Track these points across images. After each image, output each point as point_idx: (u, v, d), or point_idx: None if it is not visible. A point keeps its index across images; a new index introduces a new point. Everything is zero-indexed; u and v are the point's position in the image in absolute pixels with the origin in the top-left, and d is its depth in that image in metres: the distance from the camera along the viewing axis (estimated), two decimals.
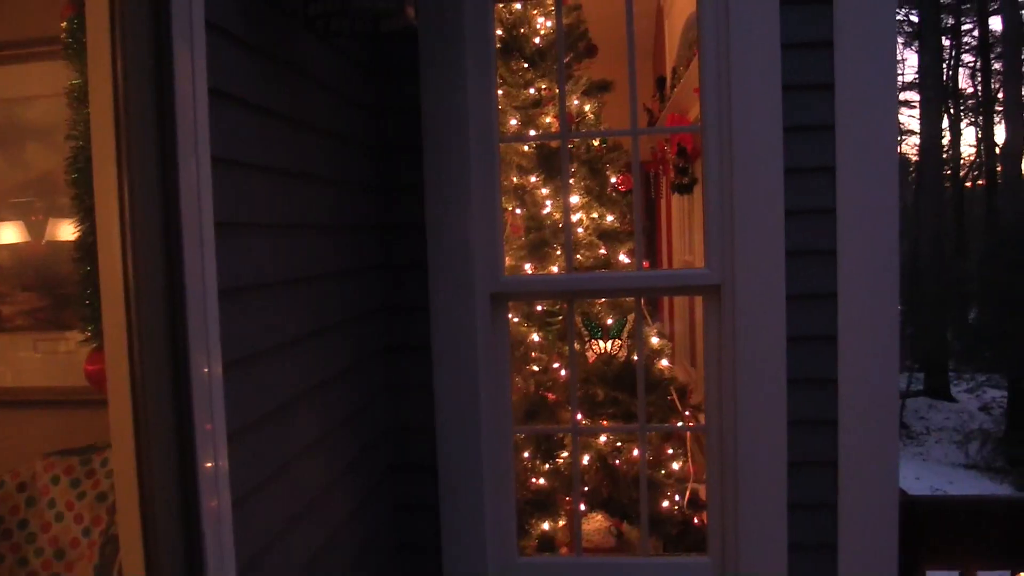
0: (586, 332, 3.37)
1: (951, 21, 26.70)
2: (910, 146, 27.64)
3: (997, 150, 22.50)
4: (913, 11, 26.58)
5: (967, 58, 26.87)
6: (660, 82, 6.55)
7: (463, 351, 2.63)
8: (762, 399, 2.52)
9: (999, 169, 21.95)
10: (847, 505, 2.53)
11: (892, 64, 2.46)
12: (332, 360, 2.20)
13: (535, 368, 3.41)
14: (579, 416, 3.46)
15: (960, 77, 26.92)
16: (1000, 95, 22.52)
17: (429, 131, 2.61)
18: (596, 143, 3.55)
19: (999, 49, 22.55)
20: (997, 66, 23.27)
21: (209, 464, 1.49)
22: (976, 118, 25.76)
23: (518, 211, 3.43)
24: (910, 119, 27.95)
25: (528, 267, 3.35)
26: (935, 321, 20.70)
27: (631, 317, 3.36)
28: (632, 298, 3.28)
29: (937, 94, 22.54)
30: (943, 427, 18.61)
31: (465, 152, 2.60)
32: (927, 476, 15.39)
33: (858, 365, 2.48)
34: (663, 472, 3.41)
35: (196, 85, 1.48)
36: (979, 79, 25.50)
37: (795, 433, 2.54)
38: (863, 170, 2.44)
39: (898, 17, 28.19)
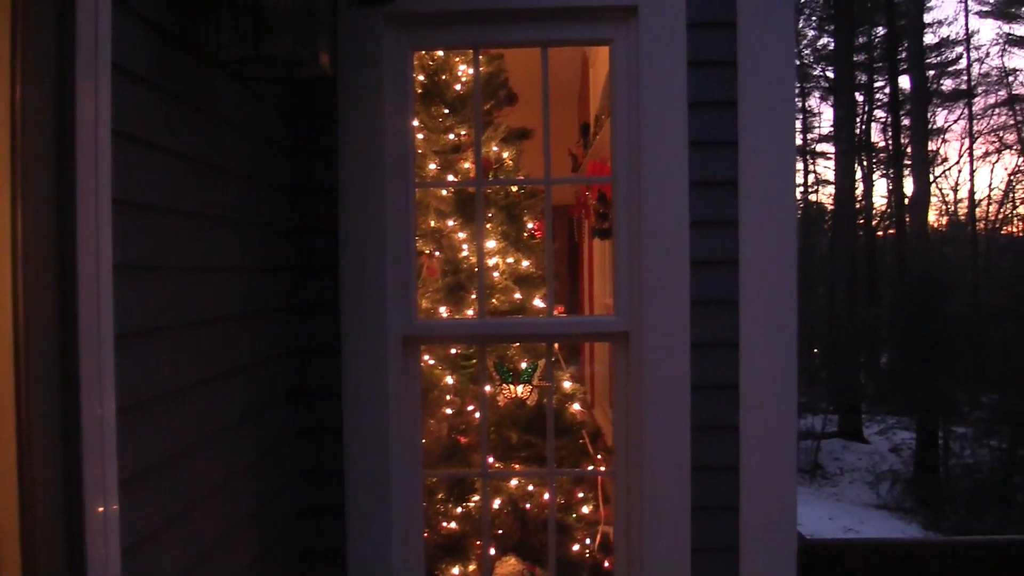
0: (497, 376, 3.40)
1: (864, 78, 28.07)
2: (826, 196, 28.79)
3: (906, 201, 23.57)
4: (829, 68, 27.88)
5: (879, 113, 28.24)
6: (584, 128, 6.70)
7: (374, 394, 2.62)
8: (667, 444, 2.58)
9: (907, 220, 22.98)
10: (748, 548, 2.59)
11: (791, 123, 2.59)
12: (237, 403, 2.17)
13: (449, 411, 3.42)
14: (492, 460, 3.47)
15: (873, 131, 28.25)
16: (908, 150, 23.65)
17: (346, 174, 2.63)
18: (515, 189, 3.61)
19: (908, 106, 23.74)
20: (906, 122, 24.47)
21: (100, 510, 1.46)
22: (887, 171, 26.99)
23: (436, 254, 3.46)
24: (826, 170, 29.15)
25: (444, 310, 3.37)
26: (849, 365, 21.41)
27: (542, 362, 3.40)
28: (556, 342, 3.33)
29: (851, 147, 23.56)
30: (856, 468, 19.15)
31: (381, 196, 2.62)
32: (840, 516, 15.78)
33: (758, 412, 2.57)
34: (574, 516, 3.44)
35: (99, 126, 1.47)
36: (890, 134, 26.78)
37: (698, 478, 2.60)
38: (764, 224, 2.55)
39: (815, 73, 29.51)
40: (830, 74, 27.71)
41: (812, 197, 30.39)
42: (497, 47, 3.39)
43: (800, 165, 30.44)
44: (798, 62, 29.38)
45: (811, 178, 30.39)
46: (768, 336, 2.55)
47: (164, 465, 1.74)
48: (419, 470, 2.75)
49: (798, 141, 30.37)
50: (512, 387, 3.37)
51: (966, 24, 28.93)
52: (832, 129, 26.10)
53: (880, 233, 27.75)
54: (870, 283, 25.48)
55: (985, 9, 27.68)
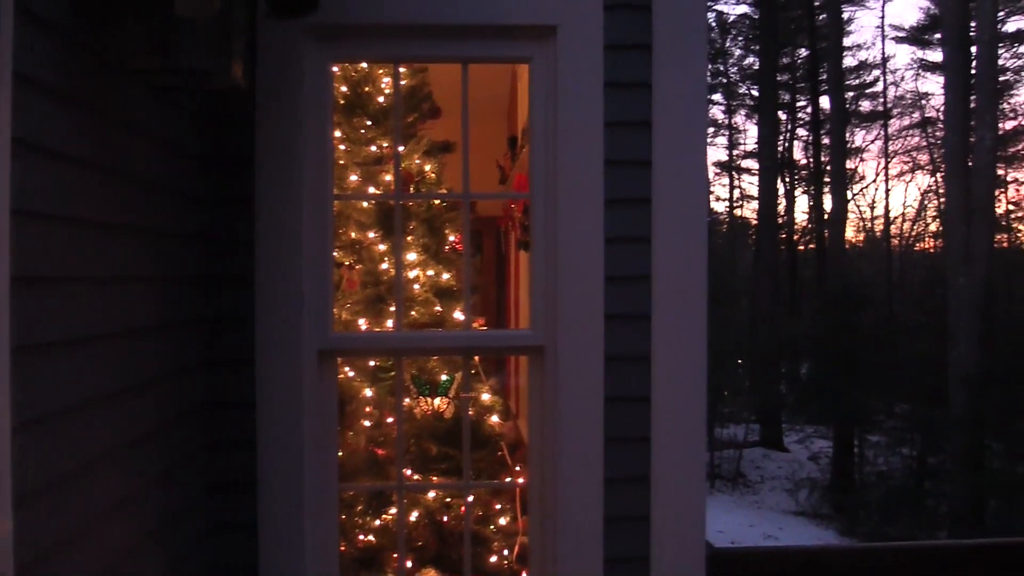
0: (414, 389, 3.41)
1: (788, 97, 28.97)
2: (750, 211, 29.56)
3: (825, 217, 24.36)
4: (755, 86, 28.67)
5: (801, 132, 29.18)
6: (512, 141, 6.76)
7: (288, 407, 2.60)
8: (581, 456, 2.63)
9: (827, 235, 23.75)
10: (659, 558, 2.66)
11: (702, 143, 2.68)
12: (145, 417, 2.13)
13: (367, 423, 3.41)
14: (411, 472, 3.47)
15: (795, 149, 29.17)
16: (828, 168, 24.45)
17: (263, 185, 2.61)
18: (437, 202, 3.63)
19: (828, 126, 24.56)
20: (827, 141, 25.31)
21: None
22: (808, 187, 27.88)
23: (356, 266, 3.45)
24: (750, 185, 29.95)
25: (363, 323, 3.36)
26: (770, 376, 21.98)
27: (459, 375, 3.42)
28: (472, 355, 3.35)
29: (774, 164, 24.25)
30: (776, 476, 19.66)
31: (299, 207, 2.60)
32: (760, 523, 16.17)
33: (670, 423, 2.64)
34: (492, 527, 3.46)
35: None
36: (811, 152, 27.68)
37: (612, 488, 2.65)
38: (675, 240, 2.62)
39: (741, 91, 30.32)
40: (756, 92, 28.50)
41: (737, 212, 31.20)
42: (417, 62, 3.41)
43: (726, 180, 31.21)
44: (725, 80, 30.17)
45: (736, 193, 31.21)
46: (679, 349, 2.63)
47: (64, 481, 1.70)
48: (335, 483, 2.73)
49: (724, 157, 31.16)
50: (429, 400, 3.38)
51: (883, 49, 30.20)
52: (757, 146, 26.82)
53: (801, 248, 28.64)
54: (791, 296, 26.27)
55: (901, 35, 28.93)
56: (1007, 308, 18.34)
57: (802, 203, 28.92)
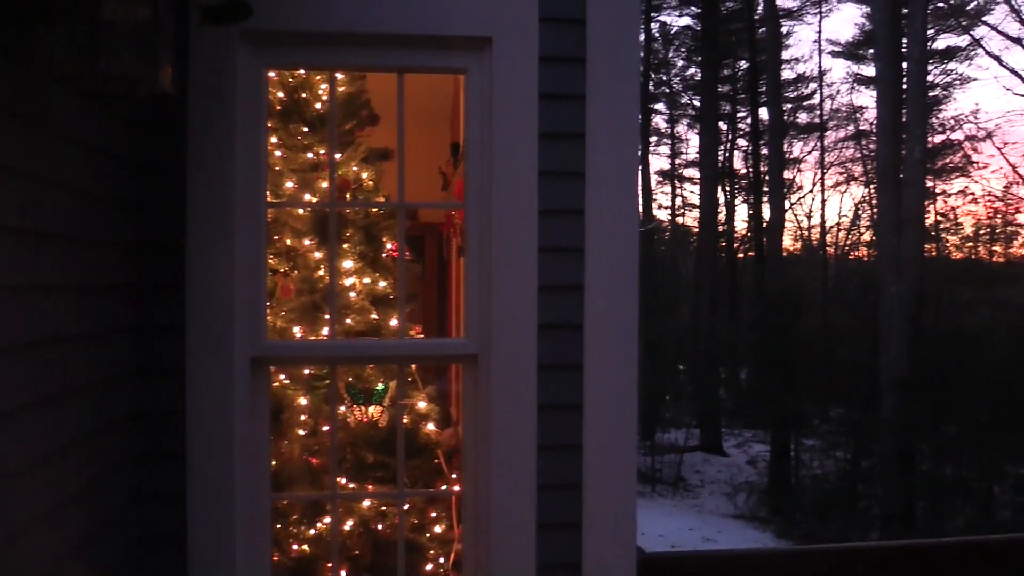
0: (347, 397, 3.39)
1: (728, 108, 29.55)
2: (692, 219, 30.04)
3: (764, 226, 24.88)
4: (696, 97, 29.17)
5: (742, 142, 29.79)
6: (454, 148, 6.78)
7: (220, 416, 2.57)
8: (514, 463, 2.65)
9: (765, 243, 24.26)
10: (590, 564, 2.69)
11: (635, 155, 2.73)
12: (69, 427, 2.09)
13: (302, 432, 3.38)
14: (347, 480, 3.46)
15: (736, 159, 29.75)
16: (766, 177, 24.99)
17: (195, 191, 2.58)
18: (375, 209, 3.63)
19: (767, 137, 25.11)
20: (766, 151, 25.87)
21: None
22: (748, 196, 28.46)
23: (291, 273, 3.43)
24: (691, 194, 30.45)
25: (298, 330, 3.34)
26: (710, 381, 22.36)
27: (393, 383, 3.42)
28: (407, 363, 3.35)
29: (714, 173, 24.69)
30: (716, 480, 19.99)
31: (231, 214, 2.58)
32: (700, 527, 16.41)
33: (601, 431, 2.68)
34: (428, 535, 3.46)
35: None
36: (750, 162, 28.28)
37: (544, 495, 2.68)
38: (607, 251, 2.67)
39: (683, 101, 30.81)
40: (697, 103, 28.99)
41: (679, 219, 31.68)
42: (352, 70, 3.41)
43: (668, 189, 31.66)
44: (667, 90, 30.63)
45: (678, 201, 31.68)
46: (611, 358, 2.67)
47: None
48: (267, 493, 2.71)
49: (667, 165, 31.62)
50: (364, 408, 3.37)
51: (820, 63, 30.93)
52: (698, 155, 27.28)
53: (741, 255, 29.20)
54: (731, 303, 26.75)
55: (837, 49, 29.73)
56: (936, 315, 18.93)
57: (742, 212, 29.55)
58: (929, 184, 23.06)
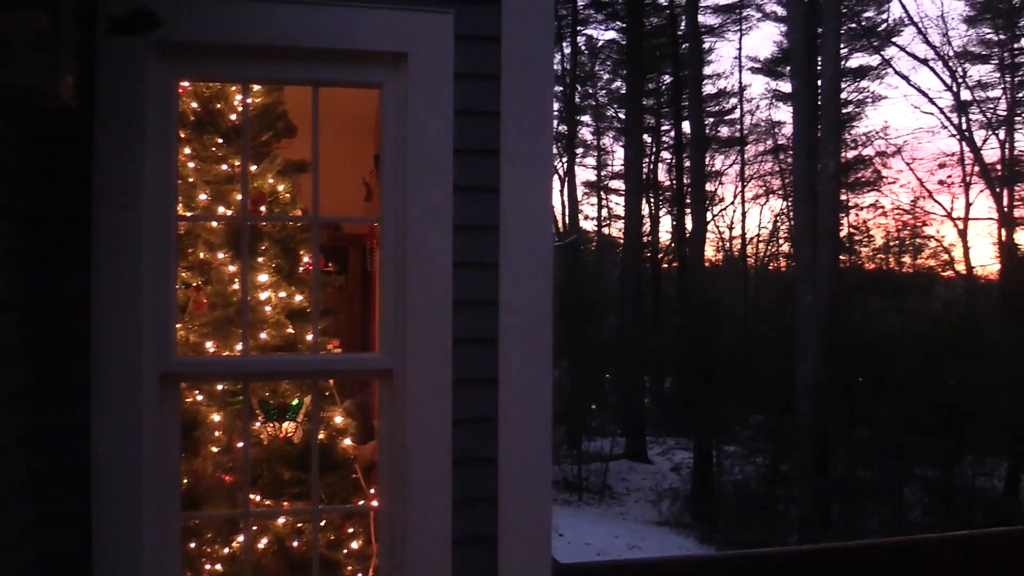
0: (261, 413, 3.35)
1: (653, 121, 30.13)
2: (617, 230, 30.48)
3: (687, 237, 25.41)
4: (621, 110, 29.66)
5: (665, 155, 30.39)
6: (378, 159, 6.74)
7: (127, 435, 2.50)
8: (429, 478, 2.65)
9: (688, 254, 24.78)
10: None
11: (549, 171, 2.78)
12: None
13: (215, 449, 3.31)
14: (261, 497, 3.40)
15: (660, 171, 30.33)
16: (689, 189, 25.54)
17: (101, 204, 2.51)
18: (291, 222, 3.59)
19: (689, 150, 25.68)
20: (688, 164, 26.44)
21: None
22: (671, 208, 29.03)
23: (205, 287, 3.36)
24: (617, 205, 30.92)
25: (211, 345, 3.27)
26: (635, 390, 22.68)
27: (308, 399, 3.38)
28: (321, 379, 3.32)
29: (639, 185, 25.11)
30: (641, 487, 20.27)
31: (139, 227, 2.52)
32: (625, 534, 16.62)
33: (516, 444, 2.70)
34: (344, 551, 3.43)
35: None
36: (674, 174, 28.86)
37: (459, 509, 2.69)
38: (522, 265, 2.70)
39: (609, 114, 31.29)
40: (623, 115, 29.48)
41: (605, 230, 32.11)
42: (266, 83, 3.37)
43: (594, 200, 32.08)
44: (593, 103, 31.06)
45: (604, 212, 32.12)
46: (525, 372, 2.70)
47: None
48: (176, 512, 2.65)
49: (592, 177, 32.04)
50: (277, 424, 3.33)
51: (740, 78, 31.78)
52: (623, 167, 27.72)
53: (665, 266, 29.74)
54: (656, 312, 27.21)
55: (756, 66, 30.63)
56: (849, 324, 19.62)
57: (666, 223, 30.10)
58: (843, 197, 23.93)
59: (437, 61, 2.69)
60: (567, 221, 29.53)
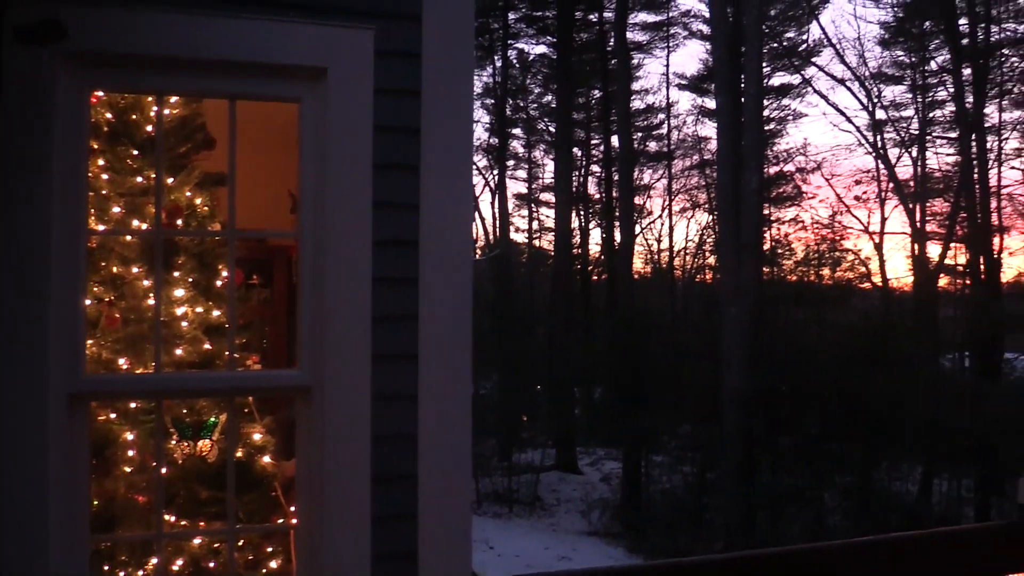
0: (175, 431, 3.27)
1: (583, 135, 30.48)
2: (548, 242, 30.69)
3: (616, 249, 25.72)
4: (552, 124, 29.92)
5: (595, 168, 30.76)
6: None
7: (32, 458, 2.42)
8: (348, 496, 2.63)
9: (617, 267, 25.09)
10: None
11: (469, 187, 2.81)
12: None
13: (128, 469, 3.22)
14: (176, 518, 3.32)
15: (589, 184, 30.68)
16: (618, 203, 25.87)
17: (4, 216, 2.43)
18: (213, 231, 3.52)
19: (618, 164, 26.03)
20: (617, 177, 26.78)
21: None
22: (601, 221, 29.37)
23: (119, 302, 3.27)
24: (547, 218, 31.15)
25: (123, 362, 3.19)
26: (565, 401, 22.84)
27: (223, 417, 3.32)
28: (236, 396, 3.26)
29: (569, 198, 25.36)
30: (571, 498, 20.38)
31: (46, 241, 2.45)
32: (556, 545, 16.68)
33: (436, 461, 2.70)
34: (263, 571, 3.36)
35: None
36: (603, 187, 29.24)
37: (379, 527, 2.67)
38: (442, 282, 2.71)
39: (540, 127, 31.54)
40: (553, 129, 29.73)
41: (536, 243, 32.31)
42: (182, 95, 3.31)
43: (525, 212, 32.25)
44: (524, 116, 31.28)
45: (535, 225, 32.32)
46: (445, 388, 2.71)
47: None
48: (86, 535, 2.57)
49: (523, 189, 32.22)
50: (192, 442, 3.26)
51: (667, 94, 32.34)
52: (554, 180, 27.92)
53: (595, 278, 30.07)
54: (586, 324, 27.45)
55: (683, 83, 31.27)
56: (772, 335, 20.12)
57: (596, 235, 30.45)
58: (765, 212, 24.58)
59: (357, 77, 2.68)
60: (498, 233, 29.64)
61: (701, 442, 19.51)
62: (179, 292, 3.30)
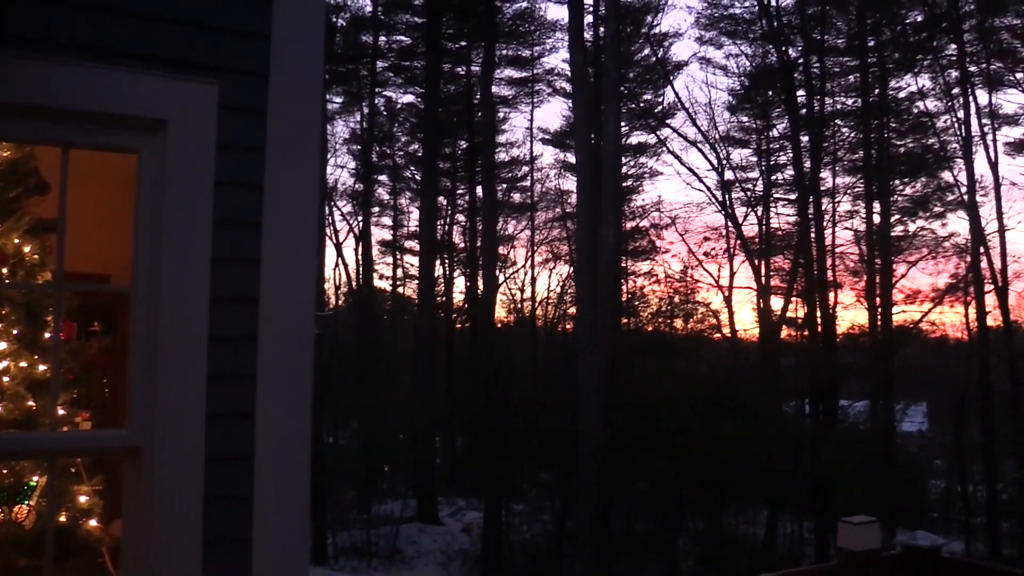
0: None
1: (448, 184, 30.80)
2: (411, 290, 30.61)
3: (479, 298, 25.96)
4: (418, 171, 30.10)
5: (460, 217, 31.09)
6: None
7: None
8: (178, 560, 2.53)
9: (480, 315, 25.29)
10: None
11: (312, 244, 2.79)
12: None
13: None
14: None
15: (454, 233, 30.95)
16: (481, 252, 26.21)
17: None
18: (39, 282, 3.34)
19: (483, 214, 26.41)
20: (481, 227, 27.16)
21: None
22: (465, 270, 29.62)
23: None
24: (411, 266, 31.10)
25: None
26: (427, 451, 22.64)
27: (43, 480, 3.13)
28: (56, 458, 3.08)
29: (433, 246, 25.46)
30: (431, 550, 20.13)
31: None
32: None
33: (272, 524, 2.64)
34: None
35: None
36: (467, 236, 29.55)
37: None
38: (282, 339, 2.68)
39: (406, 175, 31.64)
40: (419, 177, 29.88)
41: (400, 290, 32.15)
42: (10, 141, 3.16)
43: (390, 259, 32.09)
44: (391, 163, 31.32)
45: (399, 272, 32.19)
46: (282, 447, 2.66)
47: None
48: None
49: (388, 236, 32.08)
50: (7, 507, 3.04)
51: (531, 148, 33.30)
52: (418, 228, 27.98)
53: (458, 326, 30.18)
54: (448, 372, 27.45)
55: (547, 137, 32.25)
56: (628, 384, 20.74)
57: (460, 284, 30.63)
58: (622, 265, 25.50)
59: (199, 130, 2.65)
60: (361, 280, 29.31)
61: (560, 490, 19.75)
62: (1, 345, 3.11)
